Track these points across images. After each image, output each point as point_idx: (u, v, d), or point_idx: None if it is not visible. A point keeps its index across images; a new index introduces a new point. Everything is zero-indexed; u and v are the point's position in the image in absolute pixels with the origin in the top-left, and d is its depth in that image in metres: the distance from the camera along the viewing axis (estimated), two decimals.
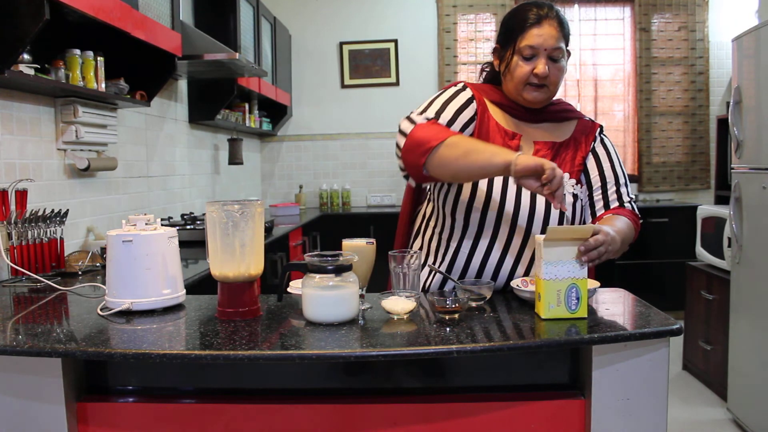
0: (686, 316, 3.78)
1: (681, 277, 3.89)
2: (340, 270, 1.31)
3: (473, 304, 1.44)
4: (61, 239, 2.16)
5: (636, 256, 4.76)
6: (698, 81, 5.30)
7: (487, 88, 1.69)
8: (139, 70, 2.68)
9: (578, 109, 1.78)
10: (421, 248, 1.75)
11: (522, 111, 1.66)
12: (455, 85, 1.69)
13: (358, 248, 1.48)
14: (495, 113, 1.66)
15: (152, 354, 1.16)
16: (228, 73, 3.56)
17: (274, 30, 4.72)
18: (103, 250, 2.22)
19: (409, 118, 1.59)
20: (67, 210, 2.21)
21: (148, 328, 1.34)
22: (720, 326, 3.30)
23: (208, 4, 3.84)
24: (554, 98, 1.68)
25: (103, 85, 2.43)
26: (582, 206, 1.66)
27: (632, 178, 5.33)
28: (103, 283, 1.60)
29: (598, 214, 1.65)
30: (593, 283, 1.45)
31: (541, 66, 1.56)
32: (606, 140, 1.73)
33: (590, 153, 1.69)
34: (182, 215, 3.41)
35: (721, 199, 3.89)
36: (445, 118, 1.60)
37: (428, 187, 1.78)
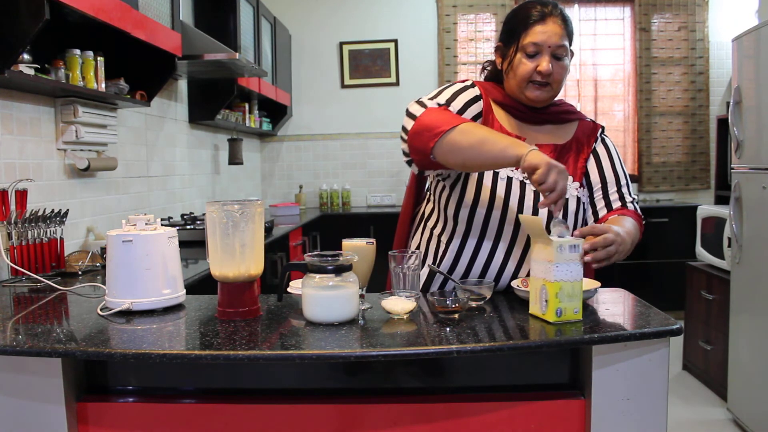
0: (686, 316, 3.78)
1: (681, 277, 3.89)
2: (340, 270, 1.31)
3: (473, 304, 1.44)
4: (61, 239, 2.16)
5: (636, 256, 4.71)
6: (698, 81, 5.30)
7: (490, 87, 1.68)
8: (139, 70, 2.68)
9: (578, 110, 1.76)
10: (418, 248, 1.74)
11: (524, 111, 1.64)
12: (463, 82, 1.68)
13: (358, 248, 1.48)
14: (499, 115, 1.65)
15: (152, 354, 1.16)
16: (228, 73, 3.56)
17: (274, 30, 4.72)
18: (103, 250, 2.22)
19: (419, 102, 1.57)
20: (67, 210, 2.21)
21: (148, 328, 1.34)
22: (720, 326, 3.30)
23: (208, 4, 3.84)
24: (556, 98, 1.67)
25: (103, 85, 2.43)
26: (584, 209, 1.65)
27: (632, 178, 5.32)
28: (103, 283, 1.60)
29: (600, 215, 1.64)
30: (593, 284, 1.45)
31: (544, 63, 1.55)
32: (607, 140, 1.72)
33: (591, 154, 1.68)
34: (182, 215, 3.41)
35: (721, 199, 3.89)
36: (455, 107, 1.59)
37: (429, 187, 1.77)
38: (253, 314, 1.38)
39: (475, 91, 1.65)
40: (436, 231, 1.69)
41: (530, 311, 1.35)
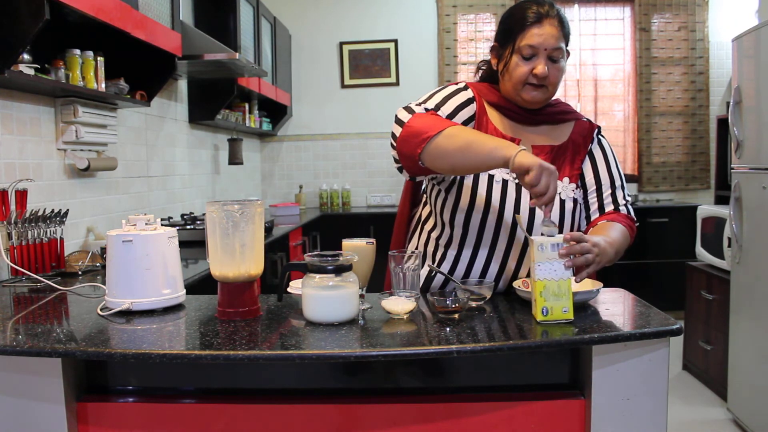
0: (686, 316, 3.78)
1: (681, 277, 3.89)
2: (340, 270, 1.31)
3: (473, 304, 1.44)
4: (61, 239, 2.16)
5: (636, 256, 4.76)
6: (698, 81, 5.30)
7: (485, 89, 1.66)
8: (139, 70, 2.68)
9: (578, 110, 1.75)
10: (417, 248, 1.74)
11: (520, 112, 1.63)
12: (456, 84, 1.66)
13: (358, 248, 1.48)
14: (493, 117, 1.63)
15: (152, 354, 1.16)
16: (228, 73, 3.56)
17: (274, 30, 4.72)
18: (103, 250, 2.22)
19: (407, 108, 1.55)
20: (67, 210, 2.21)
21: (148, 328, 1.34)
22: (720, 326, 3.30)
23: (208, 4, 3.84)
24: (552, 99, 1.66)
25: (103, 85, 2.43)
26: (580, 210, 1.64)
27: (632, 178, 5.33)
28: (103, 283, 1.60)
29: (592, 218, 1.62)
30: (596, 284, 1.45)
31: (540, 66, 1.53)
32: (603, 141, 1.70)
33: (587, 155, 1.66)
34: (182, 215, 3.41)
35: (721, 199, 3.89)
36: (444, 111, 1.57)
37: (425, 190, 1.76)
38: (253, 314, 1.38)
39: (468, 94, 1.63)
40: (434, 234, 1.68)
41: (532, 311, 1.35)
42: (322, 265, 1.31)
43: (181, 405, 1.31)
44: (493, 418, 1.28)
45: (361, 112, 5.46)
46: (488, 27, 5.32)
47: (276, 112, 5.16)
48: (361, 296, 1.46)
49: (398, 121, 1.53)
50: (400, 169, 1.57)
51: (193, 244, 2.84)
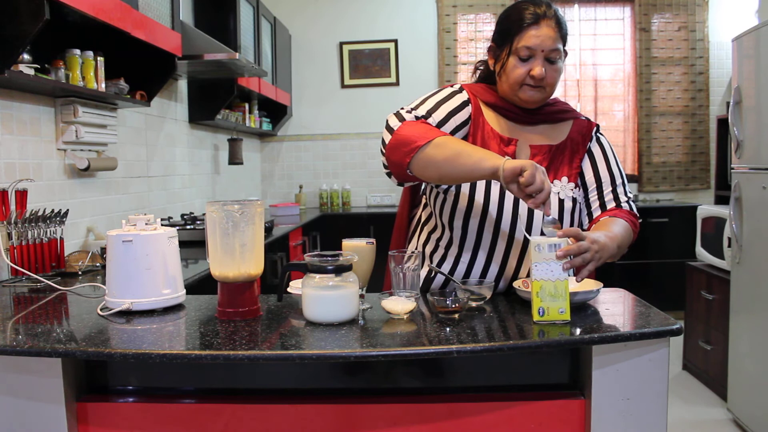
0: (686, 316, 3.78)
1: (681, 277, 3.89)
2: (340, 270, 1.31)
3: (473, 304, 1.44)
4: (61, 239, 2.16)
5: (636, 256, 4.76)
6: (698, 81, 5.30)
7: (481, 90, 1.65)
8: (139, 70, 2.68)
9: (578, 110, 1.74)
10: (416, 249, 1.74)
11: (517, 112, 1.62)
12: (452, 86, 1.66)
13: (358, 248, 1.48)
14: (490, 118, 1.62)
15: (152, 354, 1.16)
16: (228, 73, 3.56)
17: (274, 30, 4.72)
18: (103, 250, 2.22)
19: (397, 114, 1.55)
20: (67, 210, 2.21)
21: (148, 328, 1.34)
22: (720, 326, 3.30)
23: (208, 4, 3.84)
24: (551, 98, 1.65)
25: (103, 85, 2.43)
26: (580, 210, 1.64)
27: (632, 178, 5.33)
28: (103, 283, 1.60)
29: (594, 216, 1.62)
30: (596, 284, 1.44)
31: (537, 68, 1.52)
32: (602, 139, 1.69)
33: (586, 154, 1.66)
34: (182, 215, 3.41)
35: (721, 199, 3.89)
36: (436, 118, 1.56)
37: (425, 191, 1.76)
38: (253, 314, 1.38)
39: (463, 97, 1.62)
40: (435, 236, 1.68)
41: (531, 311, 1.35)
42: (322, 265, 1.31)
43: (181, 405, 1.31)
44: (493, 418, 1.28)
45: (361, 112, 5.45)
46: (488, 27, 5.32)
47: (276, 112, 5.16)
48: (361, 296, 1.46)
49: (388, 128, 1.53)
50: (389, 175, 1.57)
51: (193, 244, 2.84)
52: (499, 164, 1.34)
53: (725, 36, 5.20)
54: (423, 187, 1.79)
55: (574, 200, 1.61)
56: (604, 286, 1.47)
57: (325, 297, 1.30)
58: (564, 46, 1.57)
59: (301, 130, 5.52)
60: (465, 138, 1.60)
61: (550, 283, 1.28)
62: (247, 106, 4.43)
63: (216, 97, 3.78)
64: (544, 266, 1.29)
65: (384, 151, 1.53)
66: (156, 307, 1.46)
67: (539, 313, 1.29)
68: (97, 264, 2.20)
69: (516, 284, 1.48)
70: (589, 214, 1.63)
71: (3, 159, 2.10)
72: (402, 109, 1.57)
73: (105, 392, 1.34)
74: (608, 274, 1.75)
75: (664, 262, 4.83)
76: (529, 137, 1.63)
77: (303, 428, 1.29)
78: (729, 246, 3.19)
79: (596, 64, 5.38)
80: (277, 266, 3.37)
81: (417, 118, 1.55)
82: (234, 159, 4.29)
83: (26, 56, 2.02)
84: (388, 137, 1.52)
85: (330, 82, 5.47)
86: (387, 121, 1.55)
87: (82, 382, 1.32)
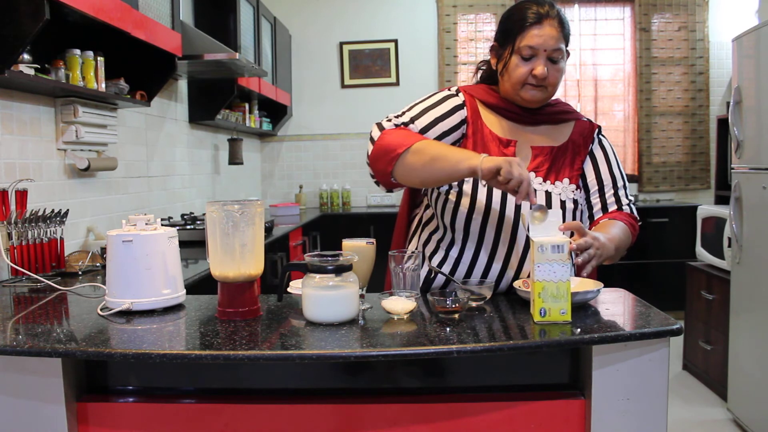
0: (686, 316, 3.78)
1: (681, 277, 3.89)
2: (340, 270, 1.31)
3: (473, 304, 1.44)
4: (61, 239, 2.16)
5: (636, 256, 4.76)
6: (698, 81, 5.30)
7: (482, 91, 1.66)
8: (139, 70, 2.68)
9: (578, 110, 1.75)
10: (417, 249, 1.74)
11: (519, 113, 1.62)
12: (448, 89, 1.67)
13: (358, 248, 1.48)
14: (489, 120, 1.63)
15: (152, 354, 1.16)
16: (228, 73, 3.56)
17: (274, 30, 4.72)
18: (103, 250, 2.22)
19: (378, 124, 1.58)
20: (67, 210, 2.21)
21: (148, 328, 1.34)
22: (720, 326, 3.30)
23: (208, 4, 3.84)
24: (552, 98, 1.65)
25: (103, 85, 2.43)
26: (581, 211, 1.64)
27: (632, 178, 5.33)
28: (103, 283, 1.60)
29: (595, 218, 1.63)
30: (596, 284, 1.44)
31: (539, 68, 1.53)
32: (604, 141, 1.70)
33: (587, 155, 1.66)
34: (182, 215, 3.41)
35: (721, 199, 3.89)
36: (420, 124, 1.58)
37: (426, 192, 1.76)
38: (253, 314, 1.38)
39: (456, 101, 1.63)
40: (436, 236, 1.68)
41: (531, 311, 1.35)
42: (322, 265, 1.31)
43: (181, 405, 1.31)
44: (493, 418, 1.28)
45: (361, 112, 5.45)
46: (488, 27, 5.32)
47: (276, 112, 5.16)
48: (361, 296, 1.46)
49: (371, 139, 1.57)
50: (377, 183, 1.61)
51: (193, 244, 2.84)
52: (476, 165, 1.38)
53: (725, 36, 5.20)
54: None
55: (575, 201, 1.61)
56: (604, 286, 1.47)
57: (325, 297, 1.30)
58: (566, 46, 1.58)
59: (301, 130, 5.52)
60: (458, 141, 1.61)
61: (552, 284, 1.29)
62: (247, 106, 4.43)
63: (216, 97, 3.78)
64: (546, 267, 1.29)
65: (368, 162, 1.57)
66: (156, 307, 1.46)
67: (540, 313, 1.29)
68: (97, 264, 2.20)
69: (516, 284, 1.48)
70: (591, 216, 1.64)
71: (3, 159, 2.10)
72: (385, 118, 1.60)
73: (105, 392, 1.34)
74: (608, 274, 1.75)
75: (664, 262, 4.83)
76: (530, 138, 1.63)
77: (303, 428, 1.29)
78: (729, 246, 3.19)
79: (596, 64, 5.38)
80: (277, 266, 3.37)
81: (397, 125, 1.58)
82: (234, 159, 4.29)
83: (26, 56, 2.02)
84: (370, 148, 1.56)
85: (330, 82, 5.47)
86: (370, 132, 1.59)
87: (82, 382, 1.32)
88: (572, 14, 5.31)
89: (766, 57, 2.74)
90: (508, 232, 1.57)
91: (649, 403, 1.26)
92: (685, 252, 4.40)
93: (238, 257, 1.36)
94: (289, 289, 1.52)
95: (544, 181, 1.60)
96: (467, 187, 1.57)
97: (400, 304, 1.34)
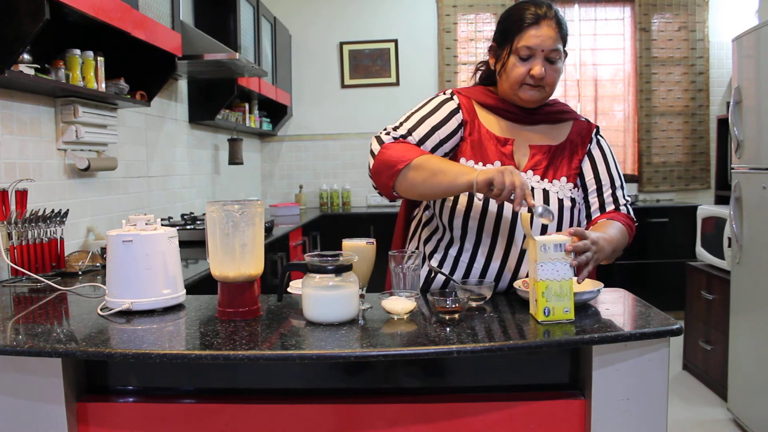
0: (686, 316, 3.78)
1: (681, 277, 3.89)
2: (340, 270, 1.31)
3: (473, 304, 1.44)
4: (61, 239, 2.16)
5: (636, 256, 4.76)
6: (698, 81, 5.30)
7: (478, 93, 1.67)
8: (139, 70, 2.68)
9: (578, 110, 1.76)
10: (416, 249, 1.74)
11: (517, 112, 1.64)
12: (444, 93, 1.68)
13: (358, 248, 1.48)
14: (486, 120, 1.64)
15: (152, 354, 1.16)
16: (228, 73, 3.56)
17: (274, 30, 4.72)
18: (103, 250, 2.22)
19: (377, 138, 1.59)
20: (67, 210, 2.21)
21: (148, 328, 1.34)
22: (720, 326, 3.30)
23: (208, 4, 3.84)
24: (551, 98, 1.66)
25: (103, 85, 2.43)
26: (579, 210, 1.65)
27: (632, 178, 5.33)
28: (103, 283, 1.60)
29: (593, 217, 1.64)
30: (596, 284, 1.44)
31: (537, 68, 1.54)
32: (602, 141, 1.70)
33: (585, 155, 1.67)
34: (182, 215, 3.41)
35: (721, 199, 3.89)
36: (418, 135, 1.59)
37: None
38: (253, 314, 1.38)
39: (452, 105, 1.64)
40: (436, 236, 1.68)
41: (530, 311, 1.36)
42: (322, 265, 1.31)
43: (181, 405, 1.31)
44: (493, 418, 1.28)
45: (361, 112, 5.45)
46: (488, 27, 5.32)
47: (276, 112, 5.16)
48: (361, 296, 1.46)
49: (371, 152, 1.58)
50: (380, 194, 1.63)
51: (193, 244, 2.84)
52: (472, 179, 1.40)
53: (725, 36, 5.20)
54: None
55: (573, 200, 1.62)
56: (604, 286, 1.48)
57: (325, 297, 1.30)
58: (564, 46, 1.59)
59: (301, 130, 5.52)
60: (456, 146, 1.63)
61: (555, 283, 1.29)
62: (247, 106, 4.43)
63: (216, 97, 3.78)
64: (549, 266, 1.29)
65: (370, 174, 1.59)
66: (156, 307, 1.46)
67: (544, 313, 1.29)
68: (97, 264, 2.20)
69: (516, 284, 1.48)
70: (588, 215, 1.65)
71: (3, 159, 2.10)
72: (383, 130, 1.61)
73: (105, 392, 1.34)
74: (608, 274, 1.75)
75: (664, 262, 4.83)
76: (528, 137, 1.64)
77: (303, 428, 1.29)
78: (729, 246, 3.19)
79: (596, 64, 5.38)
80: (277, 266, 3.37)
81: (396, 138, 1.58)
82: (234, 159, 4.29)
83: (26, 56, 2.02)
84: (371, 162, 1.57)
85: (330, 82, 5.47)
86: (370, 145, 1.60)
87: (82, 382, 1.32)
88: (572, 14, 5.31)
89: (766, 57, 2.74)
90: (505, 233, 1.57)
91: (649, 403, 1.26)
92: (685, 252, 4.40)
93: (238, 257, 1.36)
94: (289, 289, 1.52)
95: (542, 178, 1.60)
96: None
97: (400, 304, 1.34)
